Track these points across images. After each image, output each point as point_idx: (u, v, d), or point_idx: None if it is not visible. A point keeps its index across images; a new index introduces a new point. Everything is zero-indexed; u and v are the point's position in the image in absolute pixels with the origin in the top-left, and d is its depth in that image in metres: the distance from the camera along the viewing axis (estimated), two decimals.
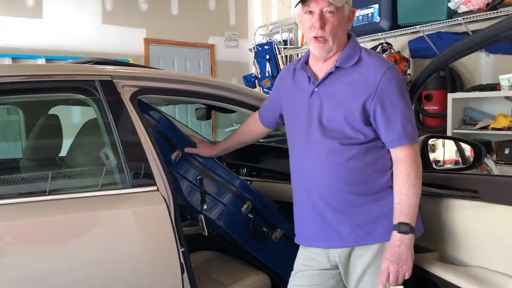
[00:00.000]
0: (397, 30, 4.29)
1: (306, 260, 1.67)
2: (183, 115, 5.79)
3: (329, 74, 1.55)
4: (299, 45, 5.87)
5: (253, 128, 1.95)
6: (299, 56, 6.16)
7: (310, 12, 1.51)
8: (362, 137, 1.52)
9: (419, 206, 1.59)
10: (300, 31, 5.91)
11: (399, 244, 1.45)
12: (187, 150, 1.95)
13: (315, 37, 1.51)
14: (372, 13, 4.33)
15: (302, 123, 1.61)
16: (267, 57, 5.92)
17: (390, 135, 1.49)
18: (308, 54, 1.66)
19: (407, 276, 1.47)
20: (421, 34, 4.23)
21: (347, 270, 1.59)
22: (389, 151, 1.54)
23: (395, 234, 1.46)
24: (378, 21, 4.30)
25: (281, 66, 5.86)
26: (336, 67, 1.54)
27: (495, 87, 3.81)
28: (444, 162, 2.07)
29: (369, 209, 1.53)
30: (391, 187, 1.52)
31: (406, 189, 1.47)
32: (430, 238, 1.69)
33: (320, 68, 1.59)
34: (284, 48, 5.86)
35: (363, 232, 1.53)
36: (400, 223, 1.46)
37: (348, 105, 1.51)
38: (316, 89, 1.58)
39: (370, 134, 1.52)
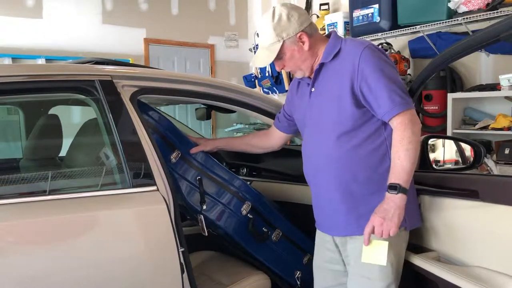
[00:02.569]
0: (397, 30, 4.28)
1: (318, 236, 1.82)
2: (183, 115, 5.79)
3: (318, 72, 1.68)
4: None
5: (266, 135, 2.06)
6: None
7: None
8: (357, 123, 1.60)
9: (418, 202, 1.68)
10: None
11: (388, 201, 1.52)
12: (192, 151, 1.97)
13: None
14: (372, 13, 4.33)
15: (307, 123, 1.74)
16: None
17: (381, 110, 1.56)
18: None
19: (391, 233, 1.51)
20: (421, 34, 4.23)
21: (346, 254, 1.69)
22: (387, 138, 1.61)
23: (386, 194, 1.53)
24: (378, 21, 4.29)
25: None
26: (321, 64, 1.67)
27: (495, 87, 3.81)
28: (444, 162, 2.07)
29: (370, 199, 1.60)
30: None
31: (399, 153, 1.52)
32: (430, 238, 1.69)
33: (313, 71, 1.72)
34: None
35: (363, 223, 1.59)
36: (390, 184, 1.52)
37: (339, 95, 1.61)
38: (313, 89, 1.71)
39: (363, 117, 1.60)
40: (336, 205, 1.65)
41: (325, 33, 2.00)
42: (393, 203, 1.50)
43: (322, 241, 1.79)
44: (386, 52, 4.50)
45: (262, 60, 1.69)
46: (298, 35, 1.63)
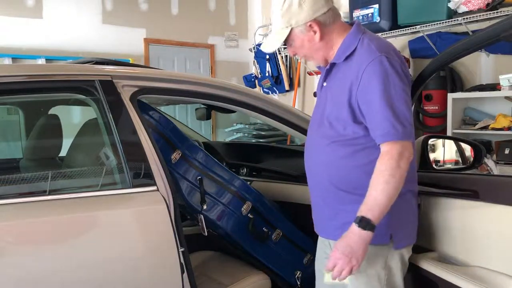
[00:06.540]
0: (397, 30, 4.28)
1: (319, 240, 1.73)
2: (183, 115, 5.79)
3: (329, 71, 1.58)
4: None
5: None
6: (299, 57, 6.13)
7: None
8: (351, 134, 1.49)
9: (417, 214, 1.59)
10: None
11: (356, 239, 1.38)
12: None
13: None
14: (372, 13, 4.32)
15: (314, 120, 1.67)
16: (267, 57, 5.92)
17: (373, 132, 1.45)
18: None
19: (353, 272, 1.40)
20: (421, 34, 4.23)
21: None
22: None
23: (354, 227, 1.38)
24: (378, 21, 4.29)
25: (281, 66, 5.86)
26: (332, 64, 1.56)
27: (495, 87, 3.81)
28: (444, 162, 2.07)
29: (357, 208, 1.47)
30: None
31: (378, 185, 1.38)
32: (430, 238, 1.69)
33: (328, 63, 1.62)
34: (284, 48, 5.86)
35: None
36: (362, 217, 1.38)
37: (339, 102, 1.50)
38: (324, 83, 1.61)
39: (360, 132, 1.48)
40: (322, 208, 1.61)
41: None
42: (361, 240, 1.37)
43: (322, 245, 1.72)
44: None
45: (270, 44, 1.58)
46: (309, 24, 1.49)
